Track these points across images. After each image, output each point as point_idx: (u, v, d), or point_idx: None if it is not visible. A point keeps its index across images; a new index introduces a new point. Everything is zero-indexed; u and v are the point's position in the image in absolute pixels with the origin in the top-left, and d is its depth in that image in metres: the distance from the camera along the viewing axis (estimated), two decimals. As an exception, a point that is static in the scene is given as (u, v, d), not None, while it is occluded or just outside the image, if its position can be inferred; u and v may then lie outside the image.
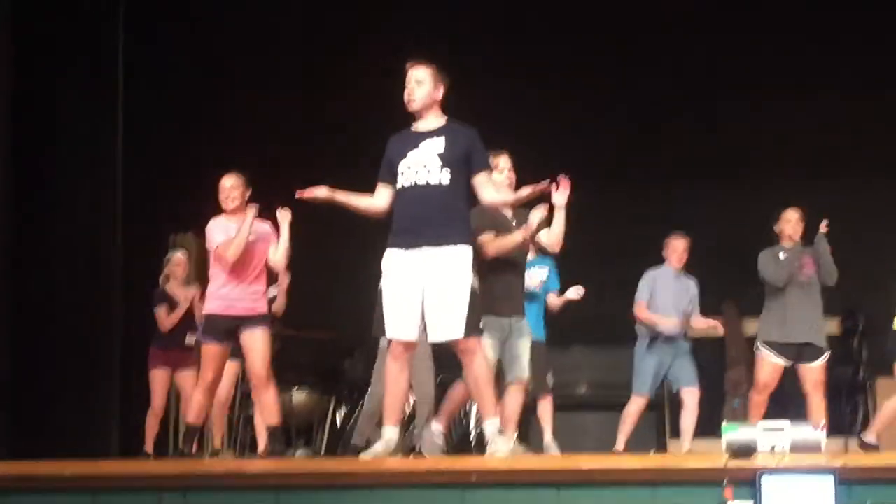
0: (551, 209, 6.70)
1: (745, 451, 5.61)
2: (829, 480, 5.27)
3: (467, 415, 9.08)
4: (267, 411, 7.30)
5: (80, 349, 9.22)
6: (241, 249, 7.17)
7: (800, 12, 10.05)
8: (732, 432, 5.76)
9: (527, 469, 5.88)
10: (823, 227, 8.09)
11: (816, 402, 8.13)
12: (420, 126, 6.29)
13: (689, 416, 8.47)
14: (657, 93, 10.40)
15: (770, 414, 7.53)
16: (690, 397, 8.49)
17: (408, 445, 7.71)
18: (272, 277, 8.15)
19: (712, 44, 10.28)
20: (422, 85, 6.23)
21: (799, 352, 8.06)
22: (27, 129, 9.18)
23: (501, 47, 10.17)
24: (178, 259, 9.35)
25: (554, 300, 8.42)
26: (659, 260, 8.69)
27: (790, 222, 8.23)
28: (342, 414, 10.32)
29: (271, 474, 5.93)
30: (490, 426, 6.19)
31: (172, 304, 9.10)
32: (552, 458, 7.16)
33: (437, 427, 7.18)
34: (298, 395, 9.70)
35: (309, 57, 10.46)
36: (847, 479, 5.37)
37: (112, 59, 9.74)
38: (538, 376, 7.84)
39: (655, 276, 8.57)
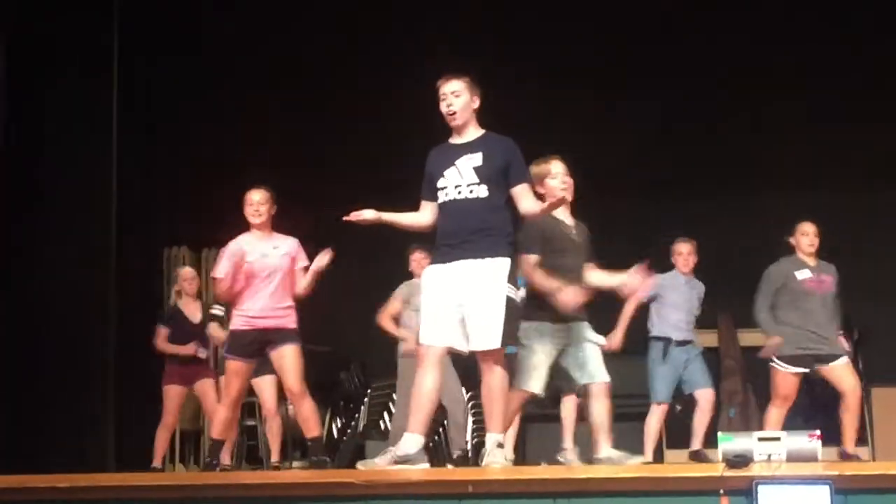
0: None
1: (742, 460, 5.62)
2: (826, 490, 5.28)
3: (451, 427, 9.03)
4: (305, 424, 7.24)
5: (74, 361, 9.18)
6: (229, 295, 7.21)
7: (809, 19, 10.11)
8: (728, 442, 5.77)
9: (523, 479, 5.89)
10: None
11: (852, 403, 7.80)
12: (458, 139, 6.29)
13: (702, 417, 8.40)
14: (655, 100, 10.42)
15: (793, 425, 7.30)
16: (705, 399, 8.44)
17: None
18: None
19: (718, 49, 10.32)
20: (459, 97, 6.21)
21: (815, 359, 7.93)
22: (17, 136, 9.15)
23: (502, 51, 10.18)
24: (185, 274, 9.21)
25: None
26: (667, 269, 8.63)
27: (807, 235, 7.99)
28: (338, 426, 10.32)
29: (266, 485, 5.93)
30: (491, 438, 6.12)
31: (183, 323, 9.01)
32: (548, 468, 7.12)
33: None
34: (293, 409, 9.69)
35: (311, 62, 10.48)
36: (843, 489, 5.38)
37: (107, 65, 9.71)
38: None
39: (662, 280, 8.48)
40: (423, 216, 6.36)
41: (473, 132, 6.27)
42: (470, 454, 8.96)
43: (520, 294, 6.34)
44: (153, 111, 10.59)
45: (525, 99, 10.00)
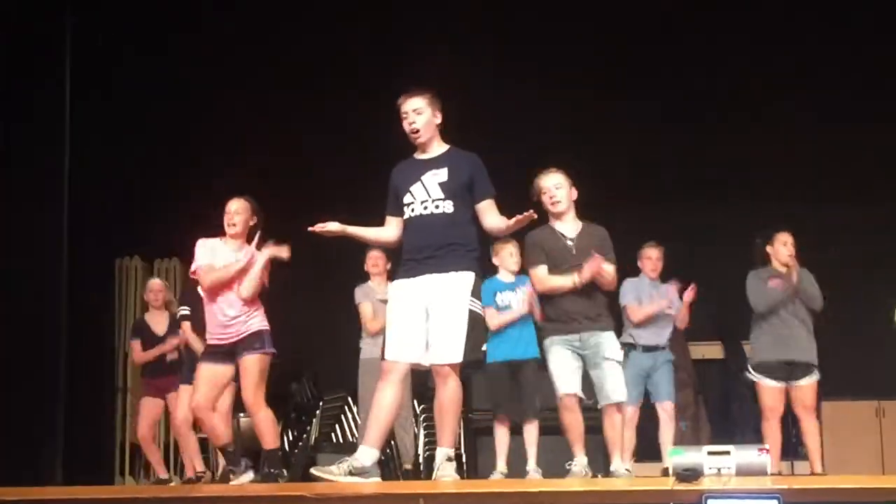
0: None
1: (692, 474, 5.64)
2: (775, 503, 5.31)
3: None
4: (261, 437, 7.11)
5: (25, 372, 9.10)
6: (221, 283, 6.94)
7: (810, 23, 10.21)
8: (678, 456, 5.79)
9: (474, 492, 5.89)
10: (791, 261, 8.01)
11: (810, 427, 8.05)
12: (423, 155, 6.29)
13: (665, 431, 8.33)
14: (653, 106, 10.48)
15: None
16: (663, 411, 8.36)
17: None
18: None
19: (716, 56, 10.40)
20: (421, 114, 6.22)
21: (790, 371, 7.98)
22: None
23: (502, 51, 10.19)
24: (152, 286, 9.18)
25: None
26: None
27: (786, 245, 8.03)
28: (289, 438, 10.27)
29: (219, 498, 5.91)
30: (441, 452, 6.12)
31: (149, 335, 8.95)
32: (499, 481, 7.13)
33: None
34: (245, 420, 9.63)
35: (282, 72, 10.48)
36: (792, 502, 5.41)
37: (59, 73, 9.65)
38: (528, 398, 7.58)
39: (635, 284, 8.47)
40: (387, 231, 6.37)
41: (438, 147, 6.29)
42: (422, 467, 8.97)
43: (487, 309, 6.40)
44: (108, 119, 10.52)
45: (525, 99, 10.04)
